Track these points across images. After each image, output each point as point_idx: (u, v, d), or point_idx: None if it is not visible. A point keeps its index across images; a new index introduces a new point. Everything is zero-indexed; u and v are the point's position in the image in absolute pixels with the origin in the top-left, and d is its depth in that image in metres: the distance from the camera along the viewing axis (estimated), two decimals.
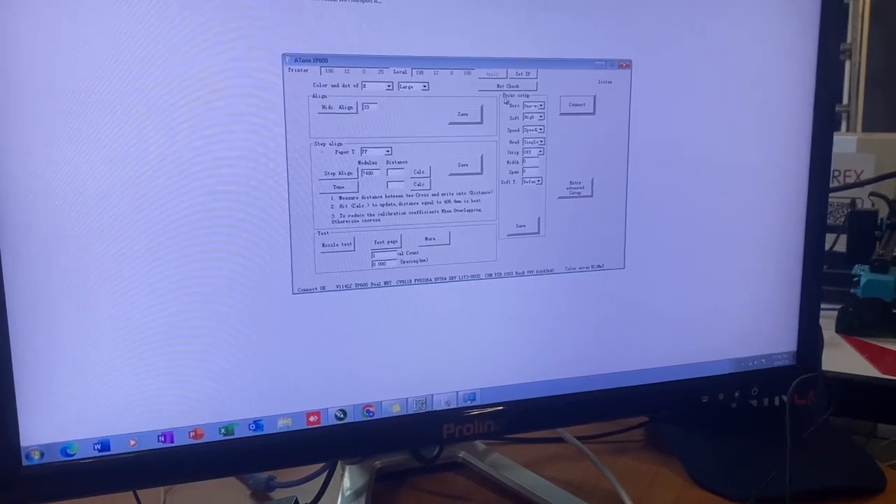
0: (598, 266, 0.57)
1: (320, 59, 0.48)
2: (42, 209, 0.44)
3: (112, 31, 0.44)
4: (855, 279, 0.96)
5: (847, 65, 2.73)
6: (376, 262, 0.51)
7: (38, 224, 0.44)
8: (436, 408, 0.55)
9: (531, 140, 0.53)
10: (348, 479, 0.64)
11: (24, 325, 0.45)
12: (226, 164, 0.47)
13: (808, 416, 0.70)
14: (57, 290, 0.45)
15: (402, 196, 0.51)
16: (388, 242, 0.51)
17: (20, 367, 0.45)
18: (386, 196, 0.51)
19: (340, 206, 0.50)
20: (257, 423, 0.51)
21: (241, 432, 0.50)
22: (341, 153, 0.49)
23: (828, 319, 0.95)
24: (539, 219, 0.54)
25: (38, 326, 0.45)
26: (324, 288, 0.50)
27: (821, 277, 0.63)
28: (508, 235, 0.54)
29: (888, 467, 0.68)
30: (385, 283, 0.52)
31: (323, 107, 0.48)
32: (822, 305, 0.65)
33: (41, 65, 0.43)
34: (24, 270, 0.44)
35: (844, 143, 1.19)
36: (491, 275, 0.54)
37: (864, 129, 2.67)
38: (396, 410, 0.54)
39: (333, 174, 0.49)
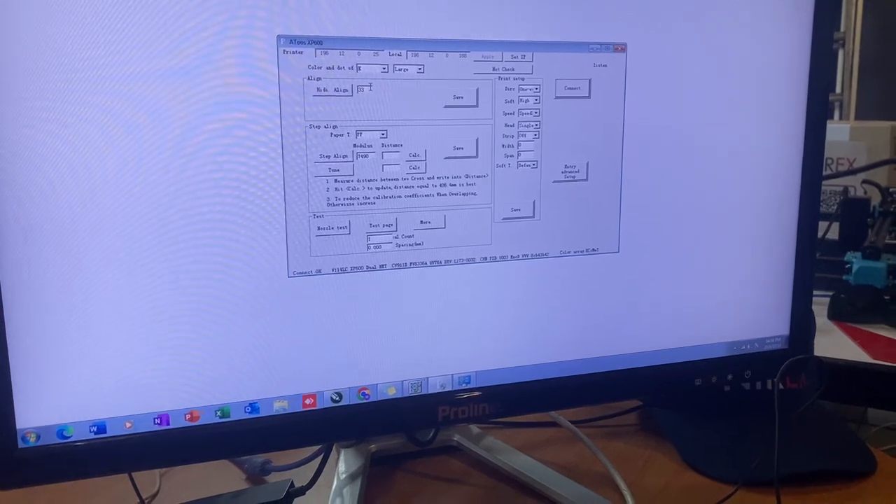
0: (593, 250, 0.57)
1: (315, 41, 0.48)
2: (40, 194, 0.44)
3: (102, 13, 0.43)
4: (847, 266, 0.97)
5: (840, 54, 2.74)
6: (371, 246, 0.51)
7: (35, 206, 0.44)
8: (431, 391, 0.55)
9: (526, 124, 0.53)
10: (343, 463, 0.64)
11: (20, 308, 0.45)
12: (220, 147, 0.47)
13: (800, 400, 0.70)
14: (53, 275, 0.45)
15: (397, 179, 0.51)
16: (384, 226, 0.51)
17: (16, 349, 0.45)
18: (381, 179, 0.51)
19: (336, 189, 0.50)
20: (253, 406, 0.51)
21: (237, 415, 0.50)
22: (336, 136, 0.49)
23: (820, 306, 0.95)
24: (534, 202, 0.55)
25: (34, 309, 0.45)
26: (319, 271, 0.50)
27: (814, 263, 0.63)
28: (503, 219, 0.54)
29: (879, 452, 0.68)
30: (380, 266, 0.52)
31: (318, 89, 0.48)
32: (815, 292, 0.66)
33: (31, 51, 0.42)
34: (19, 253, 0.44)
35: (837, 131, 1.20)
36: (486, 258, 0.54)
37: (857, 118, 2.68)
38: (392, 393, 0.54)
39: (329, 157, 0.49)
